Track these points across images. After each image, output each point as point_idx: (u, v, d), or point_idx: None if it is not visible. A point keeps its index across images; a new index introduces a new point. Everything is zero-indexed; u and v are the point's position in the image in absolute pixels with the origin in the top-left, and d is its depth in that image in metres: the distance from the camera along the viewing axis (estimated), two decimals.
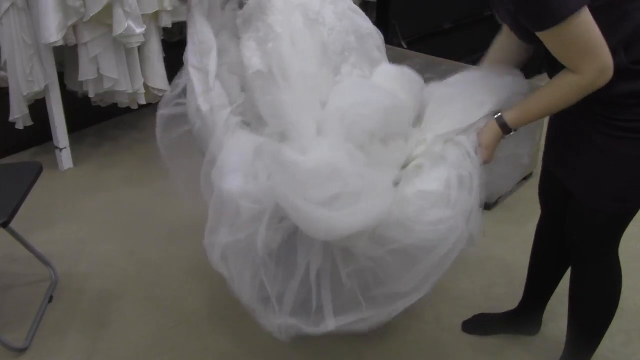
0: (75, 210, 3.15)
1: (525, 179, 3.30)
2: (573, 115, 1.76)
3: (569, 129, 1.83)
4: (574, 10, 1.48)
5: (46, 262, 2.66)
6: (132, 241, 2.90)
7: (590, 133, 1.75)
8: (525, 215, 2.98)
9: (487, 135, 1.73)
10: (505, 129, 1.72)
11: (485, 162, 1.75)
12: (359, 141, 1.72)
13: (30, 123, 3.33)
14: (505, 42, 1.88)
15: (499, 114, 1.73)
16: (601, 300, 2.01)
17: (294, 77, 1.82)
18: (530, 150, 1.82)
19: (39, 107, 3.35)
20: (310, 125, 1.75)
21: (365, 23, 2.03)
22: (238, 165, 1.77)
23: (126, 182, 3.40)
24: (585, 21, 1.51)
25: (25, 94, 3.19)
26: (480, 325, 2.39)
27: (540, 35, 1.57)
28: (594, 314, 2.03)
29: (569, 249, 2.00)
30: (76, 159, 3.55)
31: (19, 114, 3.26)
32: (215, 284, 2.62)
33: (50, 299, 2.53)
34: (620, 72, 1.59)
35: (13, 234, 2.48)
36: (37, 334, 2.38)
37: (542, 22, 1.53)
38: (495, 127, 1.73)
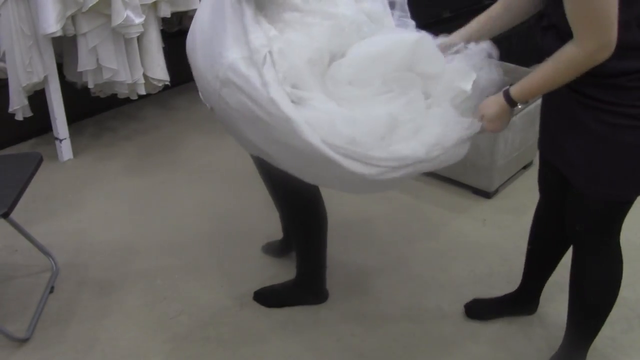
0: (76, 200, 3.15)
1: (525, 167, 3.31)
2: (570, 104, 1.77)
3: (566, 118, 1.83)
4: None
5: (47, 253, 2.66)
6: (132, 231, 2.91)
7: (589, 122, 1.74)
8: (524, 204, 2.98)
9: (491, 108, 1.80)
10: (511, 102, 1.77)
11: (493, 132, 1.85)
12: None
13: (29, 114, 3.33)
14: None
15: (506, 88, 1.78)
16: (602, 288, 2.01)
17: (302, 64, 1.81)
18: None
19: (38, 98, 3.35)
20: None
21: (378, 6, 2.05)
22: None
23: (126, 172, 3.40)
24: None
25: (24, 85, 3.18)
26: (481, 310, 2.41)
27: None
28: (594, 301, 2.04)
29: (570, 238, 2.00)
30: (76, 150, 3.55)
31: (18, 105, 3.26)
32: (216, 274, 2.63)
33: (52, 290, 2.53)
34: (629, 49, 1.60)
35: (14, 224, 2.48)
36: (38, 324, 2.38)
37: None
38: (501, 101, 1.79)
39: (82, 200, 3.16)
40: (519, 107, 1.80)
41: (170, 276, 2.63)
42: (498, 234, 2.86)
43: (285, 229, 2.65)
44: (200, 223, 2.96)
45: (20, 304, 2.48)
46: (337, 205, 2.85)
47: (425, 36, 1.90)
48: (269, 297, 2.48)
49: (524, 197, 3.08)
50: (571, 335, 2.14)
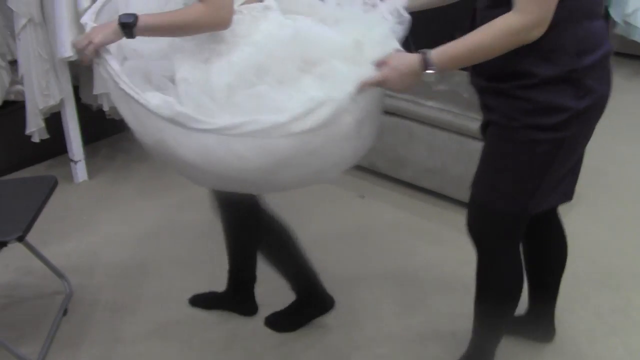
0: (90, 222, 3.18)
1: None
2: None
3: None
4: None
5: (60, 275, 2.68)
6: (146, 254, 2.92)
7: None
8: None
9: (402, 62, 1.68)
10: (425, 61, 1.63)
11: (387, 84, 1.70)
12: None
13: (46, 136, 3.37)
14: None
15: (425, 50, 1.65)
16: (493, 291, 2.01)
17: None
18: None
19: (54, 121, 3.39)
20: None
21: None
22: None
23: (140, 194, 3.43)
24: None
25: (41, 107, 3.22)
26: None
27: None
28: (488, 301, 2.04)
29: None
30: (91, 172, 3.58)
31: (35, 127, 3.30)
32: None
33: (65, 312, 2.55)
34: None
35: (28, 246, 2.50)
36: (51, 347, 2.39)
37: None
38: (413, 59, 1.65)
39: (96, 221, 3.18)
40: (429, 72, 1.63)
41: (183, 299, 2.63)
42: None
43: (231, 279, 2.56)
44: (213, 245, 2.96)
45: (33, 326, 2.49)
46: (342, 217, 2.86)
47: (302, 26, 1.87)
48: (280, 322, 2.47)
49: None
50: (475, 335, 2.14)
